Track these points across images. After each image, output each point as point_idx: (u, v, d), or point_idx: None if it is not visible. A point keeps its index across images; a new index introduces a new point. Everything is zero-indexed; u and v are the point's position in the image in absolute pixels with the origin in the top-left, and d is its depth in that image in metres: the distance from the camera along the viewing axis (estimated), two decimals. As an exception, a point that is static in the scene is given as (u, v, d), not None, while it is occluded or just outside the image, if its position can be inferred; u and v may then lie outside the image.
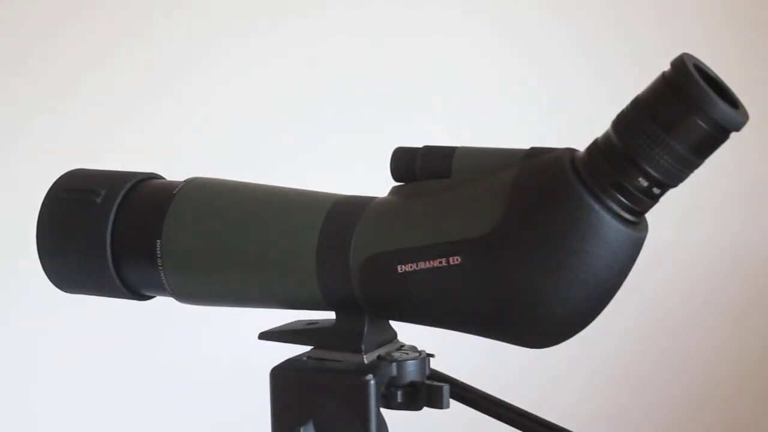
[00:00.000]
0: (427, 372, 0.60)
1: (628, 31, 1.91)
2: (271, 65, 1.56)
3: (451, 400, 0.59)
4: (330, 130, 1.60)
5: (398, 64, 1.66)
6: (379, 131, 1.59)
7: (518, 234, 0.51)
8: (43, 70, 1.40)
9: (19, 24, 1.38)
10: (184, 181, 0.63)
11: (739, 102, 0.49)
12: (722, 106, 0.47)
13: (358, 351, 0.57)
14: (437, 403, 0.58)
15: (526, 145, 0.54)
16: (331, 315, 0.59)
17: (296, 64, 1.57)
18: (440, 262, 0.53)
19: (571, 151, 0.52)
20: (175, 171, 0.69)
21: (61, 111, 1.40)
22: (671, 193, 0.51)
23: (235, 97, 1.53)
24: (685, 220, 1.81)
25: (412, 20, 1.69)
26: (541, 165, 0.52)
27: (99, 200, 0.62)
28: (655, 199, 0.51)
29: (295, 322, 0.62)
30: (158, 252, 0.61)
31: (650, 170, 0.49)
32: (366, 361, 0.57)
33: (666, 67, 0.48)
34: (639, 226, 0.52)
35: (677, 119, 0.48)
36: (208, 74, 1.51)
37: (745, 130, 0.48)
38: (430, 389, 0.58)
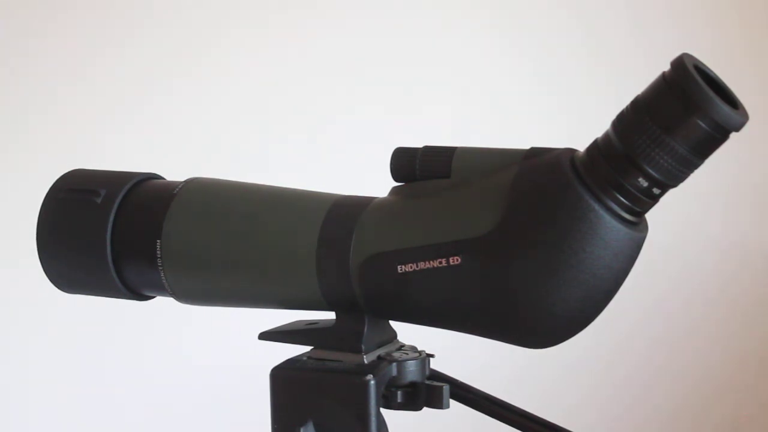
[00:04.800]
0: (427, 372, 0.60)
1: (628, 31, 1.91)
2: (271, 65, 1.56)
3: (451, 401, 0.59)
4: (330, 130, 1.60)
5: (398, 64, 1.66)
6: (379, 131, 1.59)
7: (518, 234, 0.51)
8: (43, 70, 1.40)
9: (18, 23, 1.38)
10: (184, 181, 0.63)
11: (739, 102, 0.49)
12: (722, 106, 0.47)
13: (358, 351, 0.57)
14: (437, 403, 0.58)
15: (526, 145, 0.54)
16: (331, 315, 0.59)
17: (296, 64, 1.57)
18: (440, 263, 0.53)
19: (570, 151, 0.52)
20: (174, 171, 0.69)
21: (61, 111, 1.40)
22: (671, 193, 0.51)
23: (235, 96, 1.53)
24: (684, 220, 1.81)
25: (413, 19, 1.69)
26: (540, 165, 0.52)
27: (99, 200, 0.62)
28: (655, 199, 0.51)
29: (295, 322, 0.62)
30: (158, 252, 0.61)
31: (650, 170, 0.49)
32: (366, 361, 0.57)
33: (665, 67, 0.48)
34: (639, 226, 0.52)
35: (677, 119, 0.48)
36: (209, 75, 1.51)
37: (744, 129, 0.48)
38: (430, 389, 0.58)
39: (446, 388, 0.58)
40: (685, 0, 1.97)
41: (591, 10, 1.87)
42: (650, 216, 0.53)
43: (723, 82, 0.49)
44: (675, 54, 0.48)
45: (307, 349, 0.60)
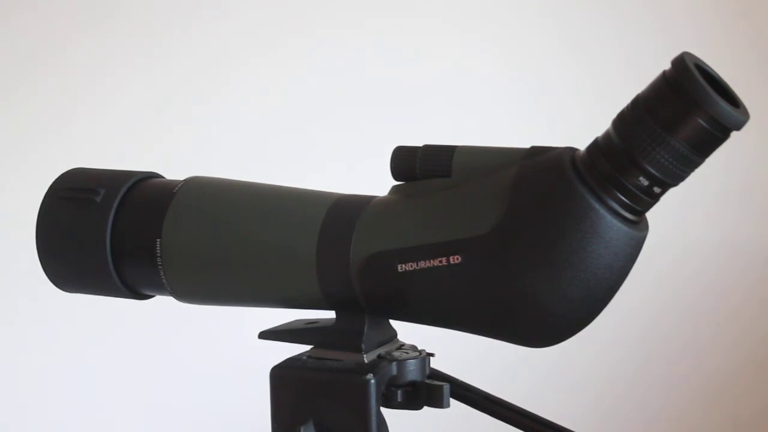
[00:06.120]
0: (427, 371, 0.60)
1: (628, 31, 1.91)
2: (271, 64, 1.56)
3: (451, 400, 0.59)
4: (330, 129, 1.60)
5: (398, 63, 1.66)
6: (379, 130, 1.59)
7: (518, 233, 0.51)
8: (43, 70, 1.40)
9: (20, 23, 1.38)
10: (184, 180, 0.63)
11: (740, 101, 0.49)
12: (723, 105, 0.47)
13: (358, 350, 0.57)
14: (437, 402, 0.58)
15: (526, 144, 0.54)
16: (331, 314, 0.59)
17: (296, 63, 1.57)
18: (440, 262, 0.53)
19: (571, 150, 0.52)
20: (174, 170, 0.69)
21: (61, 110, 1.40)
22: (671, 192, 0.51)
23: (235, 96, 1.53)
24: (684, 220, 1.81)
25: (412, 19, 1.69)
26: (541, 164, 0.52)
27: (98, 199, 0.62)
28: (655, 198, 0.50)
29: (295, 321, 0.62)
30: (158, 251, 0.61)
31: (651, 169, 0.49)
32: (366, 361, 0.57)
33: (665, 66, 0.48)
34: (639, 225, 0.52)
35: (678, 118, 0.47)
36: (209, 74, 1.51)
37: (745, 128, 0.48)
38: (430, 388, 0.58)
39: (446, 387, 0.58)
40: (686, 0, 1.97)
41: (591, 7, 1.87)
42: (650, 215, 0.53)
43: (724, 81, 0.49)
44: (676, 53, 0.48)
45: (307, 348, 0.60)
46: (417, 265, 0.54)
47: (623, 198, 0.50)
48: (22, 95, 1.38)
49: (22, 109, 1.39)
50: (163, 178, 0.66)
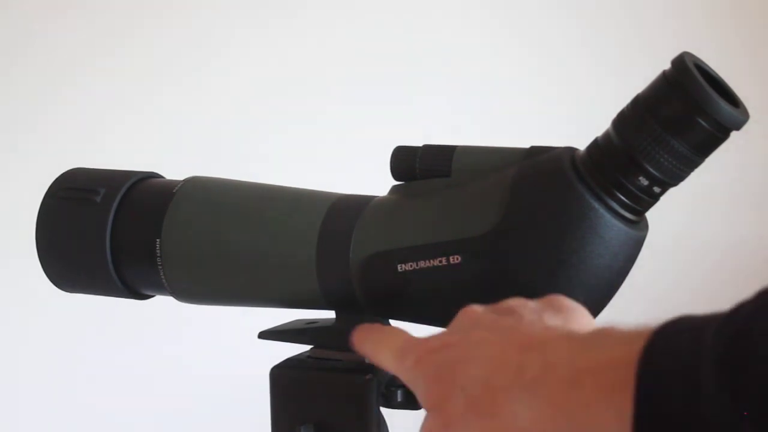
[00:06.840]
0: (427, 371, 0.60)
1: (627, 29, 1.91)
2: (271, 64, 1.56)
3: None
4: (330, 129, 1.60)
5: (399, 62, 1.66)
6: (379, 130, 1.59)
7: (518, 233, 0.51)
8: (42, 70, 1.40)
9: (18, 22, 1.38)
10: (184, 180, 0.63)
11: (740, 101, 0.49)
12: (723, 105, 0.47)
13: (359, 350, 0.57)
14: (437, 402, 0.58)
15: (526, 144, 0.54)
16: (331, 314, 0.59)
17: (295, 62, 1.57)
18: (440, 262, 0.53)
19: (571, 150, 0.52)
20: (174, 170, 0.69)
21: (60, 110, 1.40)
22: (669, 191, 0.51)
23: (235, 95, 1.53)
24: (684, 220, 1.81)
25: (413, 17, 1.69)
26: (541, 164, 0.52)
27: (98, 199, 0.62)
28: (655, 198, 0.51)
29: (295, 321, 0.62)
30: (158, 251, 0.61)
31: (651, 169, 0.49)
32: (366, 360, 0.57)
33: (665, 66, 0.48)
34: (639, 225, 0.52)
35: (678, 118, 0.47)
36: (209, 73, 1.51)
37: (744, 128, 0.48)
38: (430, 388, 0.58)
39: (446, 387, 0.58)
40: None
41: (590, 6, 1.87)
42: (650, 215, 0.53)
43: (723, 81, 0.49)
44: (675, 53, 0.48)
45: (307, 348, 0.60)
46: (417, 265, 0.54)
47: (623, 198, 0.50)
48: (21, 95, 1.38)
49: (21, 109, 1.39)
50: (163, 178, 0.66)
